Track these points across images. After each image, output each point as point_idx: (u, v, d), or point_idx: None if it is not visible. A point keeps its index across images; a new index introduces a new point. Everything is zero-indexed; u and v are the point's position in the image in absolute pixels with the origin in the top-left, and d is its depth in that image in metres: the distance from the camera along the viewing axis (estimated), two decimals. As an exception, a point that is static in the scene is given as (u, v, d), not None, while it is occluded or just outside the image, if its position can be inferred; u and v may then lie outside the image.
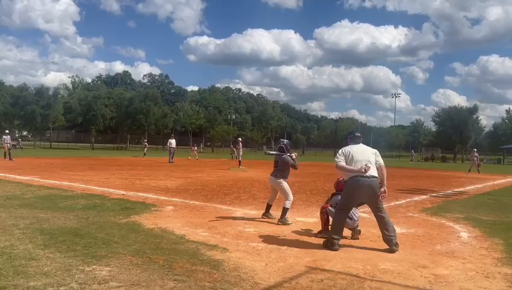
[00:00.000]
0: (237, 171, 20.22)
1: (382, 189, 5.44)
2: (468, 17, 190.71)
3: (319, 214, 6.33)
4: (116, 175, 15.56)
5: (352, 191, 5.41)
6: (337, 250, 5.22)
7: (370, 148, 5.73)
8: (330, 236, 5.43)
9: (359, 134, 5.81)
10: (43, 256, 4.50)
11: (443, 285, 4.07)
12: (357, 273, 4.35)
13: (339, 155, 5.52)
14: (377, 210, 5.45)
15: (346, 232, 6.00)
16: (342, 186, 6.24)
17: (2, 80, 66.72)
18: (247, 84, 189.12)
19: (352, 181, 5.36)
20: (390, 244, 5.30)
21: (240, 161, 23.36)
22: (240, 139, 26.69)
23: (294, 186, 13.50)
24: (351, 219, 5.91)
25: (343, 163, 5.44)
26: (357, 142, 5.67)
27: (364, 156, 5.45)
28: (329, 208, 6.12)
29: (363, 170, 5.24)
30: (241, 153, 24.11)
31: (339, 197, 6.13)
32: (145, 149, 40.10)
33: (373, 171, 5.39)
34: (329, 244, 5.32)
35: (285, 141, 7.53)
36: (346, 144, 5.77)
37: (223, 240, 5.59)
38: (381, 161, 5.60)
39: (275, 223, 6.93)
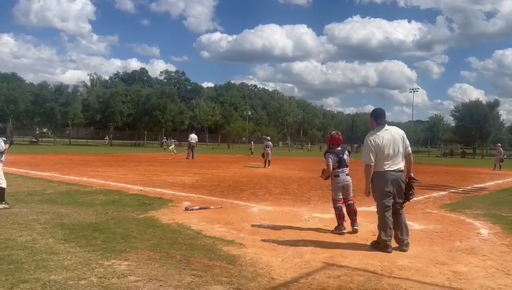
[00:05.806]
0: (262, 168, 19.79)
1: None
2: (483, 10, 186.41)
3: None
4: (133, 171, 15.76)
5: (381, 185, 5.16)
6: (390, 252, 4.94)
7: (399, 131, 5.37)
8: (381, 238, 5.12)
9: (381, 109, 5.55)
10: (64, 250, 4.59)
11: (462, 282, 4.01)
12: (374, 269, 4.31)
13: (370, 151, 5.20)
14: (396, 206, 5.22)
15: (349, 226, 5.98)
16: (333, 139, 6.25)
17: (22, 77, 67.97)
18: (261, 80, 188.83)
19: (379, 175, 5.17)
20: (401, 245, 5.12)
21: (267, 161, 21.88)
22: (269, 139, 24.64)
23: (310, 182, 13.45)
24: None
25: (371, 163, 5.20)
26: (382, 124, 5.34)
27: (395, 147, 5.17)
28: (337, 204, 6.13)
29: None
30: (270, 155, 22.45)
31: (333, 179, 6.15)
32: (173, 146, 40.09)
33: (399, 164, 5.19)
34: (382, 247, 5.04)
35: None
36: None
37: (240, 235, 5.62)
38: (409, 148, 5.36)
39: (291, 219, 6.92)
